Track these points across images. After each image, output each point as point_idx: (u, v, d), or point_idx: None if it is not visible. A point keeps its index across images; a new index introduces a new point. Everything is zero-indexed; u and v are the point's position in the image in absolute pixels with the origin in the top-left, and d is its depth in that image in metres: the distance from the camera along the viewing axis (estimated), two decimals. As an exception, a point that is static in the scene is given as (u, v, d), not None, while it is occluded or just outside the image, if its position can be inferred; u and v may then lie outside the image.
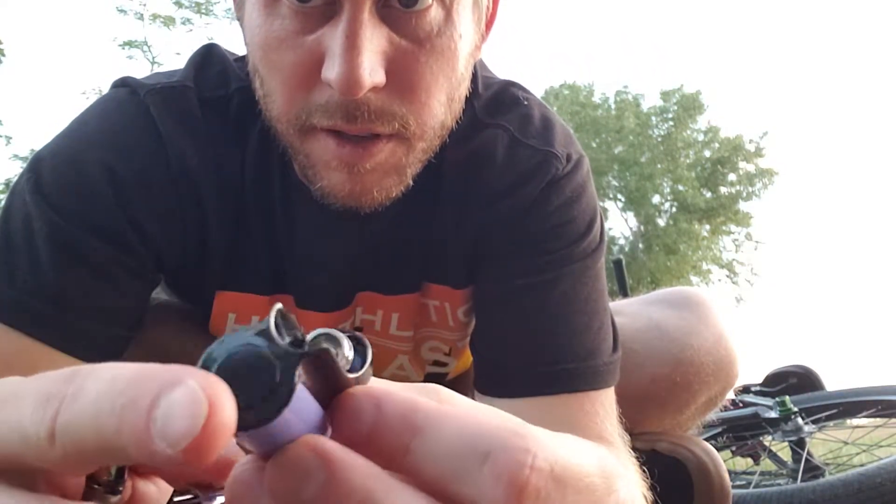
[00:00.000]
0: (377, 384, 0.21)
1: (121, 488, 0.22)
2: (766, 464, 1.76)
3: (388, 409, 0.19)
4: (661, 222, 19.79)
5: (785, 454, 1.73)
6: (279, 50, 0.54)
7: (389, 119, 0.55)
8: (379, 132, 0.55)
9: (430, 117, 0.57)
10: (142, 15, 14.80)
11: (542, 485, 0.18)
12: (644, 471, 0.60)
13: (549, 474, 0.18)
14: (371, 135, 0.55)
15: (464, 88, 0.62)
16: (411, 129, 0.56)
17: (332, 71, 0.51)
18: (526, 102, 0.72)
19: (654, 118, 20.35)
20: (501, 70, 0.78)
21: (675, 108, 20.19)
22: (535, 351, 0.64)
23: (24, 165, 0.64)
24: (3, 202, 0.65)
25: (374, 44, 0.52)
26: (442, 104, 0.58)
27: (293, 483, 0.18)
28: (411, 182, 0.61)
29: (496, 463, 0.18)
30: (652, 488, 0.58)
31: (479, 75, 0.71)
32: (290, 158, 0.68)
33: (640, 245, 19.47)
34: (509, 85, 0.74)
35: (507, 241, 0.68)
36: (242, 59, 0.72)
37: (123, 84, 0.67)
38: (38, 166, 0.62)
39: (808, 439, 1.63)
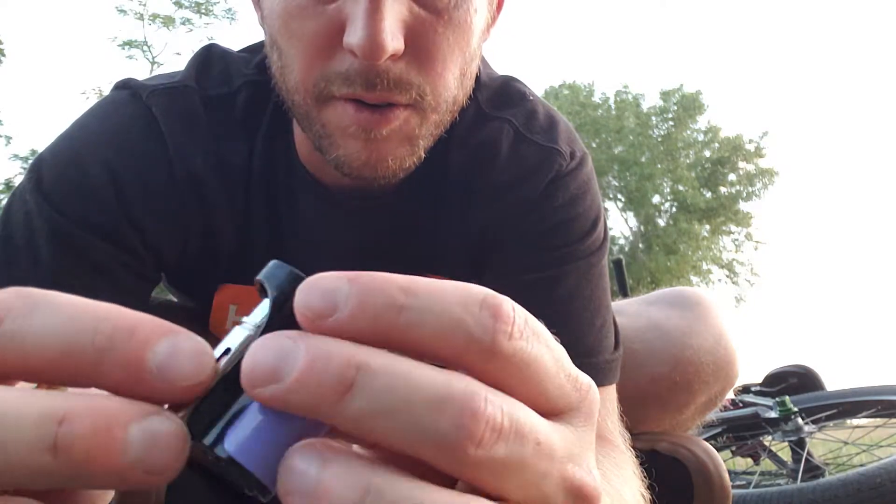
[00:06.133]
0: None
1: None
2: (766, 464, 1.76)
3: (363, 278, 0.19)
4: (661, 222, 19.81)
5: (785, 454, 1.74)
6: (300, 18, 0.55)
7: (407, 88, 0.55)
8: (396, 101, 0.55)
9: (445, 89, 0.58)
10: (142, 15, 14.82)
11: (521, 323, 0.20)
12: (644, 470, 0.60)
13: (525, 321, 0.21)
14: (388, 104, 0.55)
15: (475, 66, 0.62)
16: (427, 99, 0.57)
17: (354, 36, 0.51)
18: (531, 98, 0.73)
19: (654, 118, 20.37)
20: (502, 69, 0.78)
21: (675, 108, 20.20)
22: None
23: (25, 165, 0.64)
24: (3, 202, 0.65)
25: (395, 10, 0.52)
26: (456, 78, 0.58)
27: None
28: (423, 155, 0.61)
29: (489, 306, 0.20)
30: (651, 488, 0.58)
31: (481, 69, 0.71)
32: (296, 148, 0.68)
33: (640, 245, 19.48)
34: (512, 80, 0.75)
35: (512, 236, 0.68)
36: (248, 49, 0.73)
37: (125, 86, 0.67)
38: (40, 166, 0.62)
39: (808, 439, 1.63)
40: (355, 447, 0.20)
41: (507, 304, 0.20)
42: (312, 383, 0.18)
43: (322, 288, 0.19)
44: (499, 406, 0.19)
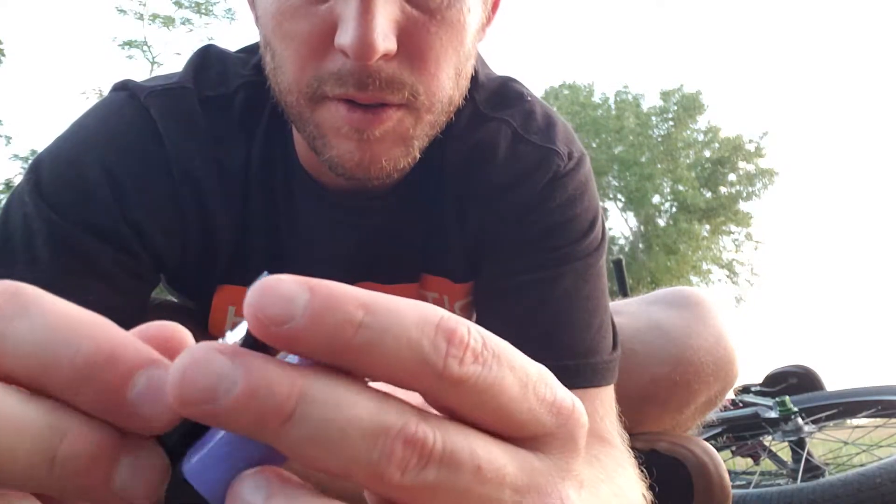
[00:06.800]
0: None
1: None
2: (766, 464, 1.76)
3: (324, 289, 0.18)
4: (661, 222, 19.81)
5: (785, 454, 1.74)
6: (293, 19, 0.55)
7: (399, 87, 0.55)
8: (388, 101, 0.55)
9: (439, 89, 0.58)
10: (142, 15, 14.82)
11: (477, 346, 0.20)
12: (644, 471, 0.60)
13: (483, 344, 0.20)
14: (380, 104, 0.55)
15: (470, 66, 0.62)
16: (420, 98, 0.57)
17: (345, 36, 0.51)
18: (529, 99, 0.73)
19: (654, 118, 20.37)
20: (501, 69, 0.78)
21: (675, 108, 20.21)
22: (535, 347, 0.64)
23: (25, 165, 0.64)
24: (3, 202, 0.65)
25: (387, 10, 0.52)
26: (450, 77, 0.58)
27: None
28: (418, 155, 0.61)
29: (443, 328, 0.19)
30: (651, 488, 0.58)
31: (479, 69, 0.71)
32: (294, 148, 0.68)
33: (640, 245, 19.48)
34: (510, 80, 0.75)
35: (510, 237, 0.68)
36: (245, 49, 0.73)
37: (123, 87, 0.67)
38: (38, 168, 0.62)
39: (808, 439, 1.63)
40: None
41: (462, 328, 0.19)
42: (251, 409, 0.17)
43: (279, 293, 0.18)
44: (430, 432, 0.19)
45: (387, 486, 0.18)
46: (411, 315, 0.19)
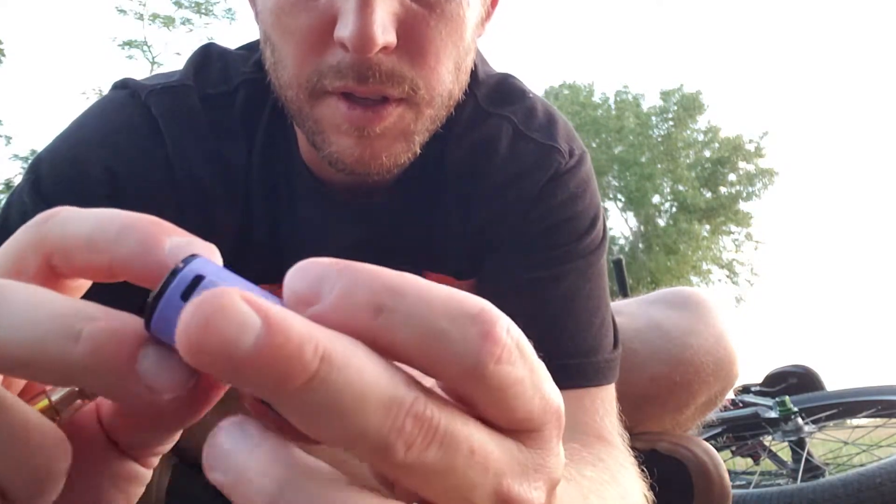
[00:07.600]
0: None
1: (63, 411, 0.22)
2: (766, 464, 1.76)
3: (352, 271, 0.18)
4: (661, 222, 19.82)
5: (785, 454, 1.74)
6: (292, 13, 0.55)
7: (399, 81, 0.55)
8: (388, 95, 0.55)
9: (439, 83, 0.58)
10: (142, 15, 14.84)
11: (514, 350, 0.19)
12: (644, 471, 0.60)
13: (516, 343, 0.19)
14: (381, 98, 0.56)
15: (470, 60, 0.62)
16: (420, 93, 0.57)
17: (345, 29, 0.51)
18: (531, 96, 0.73)
19: (654, 118, 20.38)
20: (502, 68, 0.78)
21: (675, 108, 20.22)
22: (536, 345, 0.64)
23: (25, 165, 0.64)
24: (3, 202, 0.64)
25: (386, 4, 0.52)
26: (450, 72, 0.58)
27: (223, 334, 0.16)
28: (418, 150, 0.61)
29: (480, 322, 0.18)
30: (651, 488, 0.58)
31: (479, 66, 0.71)
32: (296, 145, 0.68)
33: (640, 245, 19.49)
34: (509, 77, 0.75)
35: (511, 235, 0.68)
36: (246, 46, 0.73)
37: (124, 86, 0.67)
38: (38, 167, 0.62)
39: (808, 439, 1.63)
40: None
41: (501, 326, 0.19)
42: (273, 364, 0.16)
43: (310, 274, 0.18)
44: (436, 412, 0.18)
45: (388, 463, 0.18)
46: (441, 303, 0.18)
